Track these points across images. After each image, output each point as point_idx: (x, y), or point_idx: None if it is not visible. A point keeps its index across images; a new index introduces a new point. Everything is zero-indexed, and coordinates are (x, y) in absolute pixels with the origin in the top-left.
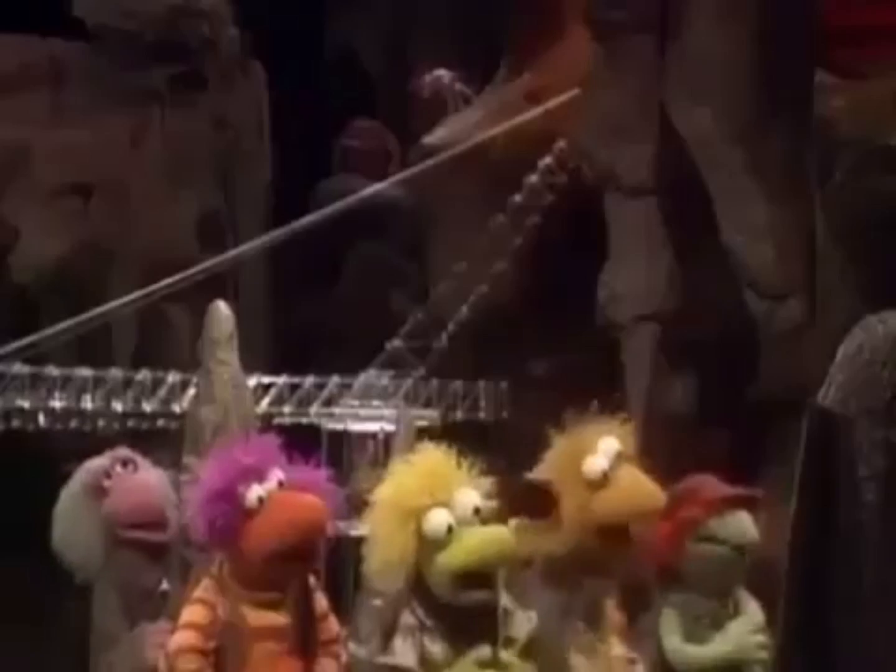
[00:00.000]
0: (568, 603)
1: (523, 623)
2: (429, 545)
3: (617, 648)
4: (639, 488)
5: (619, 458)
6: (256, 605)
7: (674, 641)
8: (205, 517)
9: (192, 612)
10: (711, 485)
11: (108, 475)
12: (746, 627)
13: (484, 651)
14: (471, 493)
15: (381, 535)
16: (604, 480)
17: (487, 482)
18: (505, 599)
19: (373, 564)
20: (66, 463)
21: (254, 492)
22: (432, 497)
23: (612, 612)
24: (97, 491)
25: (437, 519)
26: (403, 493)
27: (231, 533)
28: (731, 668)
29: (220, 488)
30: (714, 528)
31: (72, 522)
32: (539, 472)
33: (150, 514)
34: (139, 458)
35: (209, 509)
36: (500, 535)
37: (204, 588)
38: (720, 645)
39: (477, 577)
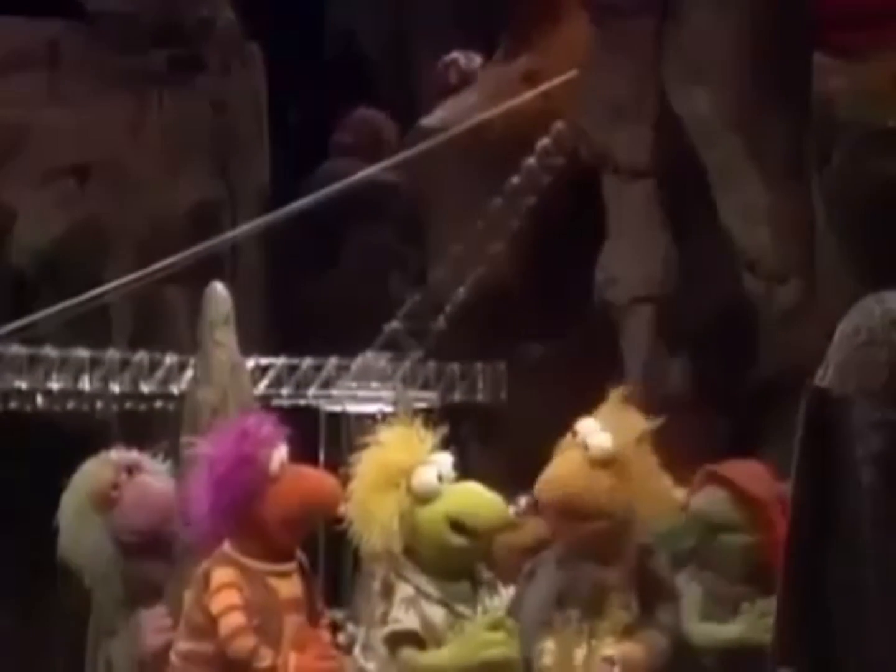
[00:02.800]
0: (567, 588)
1: (503, 597)
2: (420, 500)
3: (608, 649)
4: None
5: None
6: (279, 577)
7: (690, 619)
8: (230, 486)
9: (225, 598)
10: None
11: (115, 486)
12: (759, 609)
13: (496, 614)
14: (445, 455)
15: (374, 503)
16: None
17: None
18: (486, 573)
19: (371, 533)
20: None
21: (276, 456)
22: (415, 457)
23: (615, 611)
24: (104, 502)
25: (426, 472)
26: (387, 459)
27: (254, 499)
28: (743, 650)
29: (246, 454)
30: None
31: (79, 532)
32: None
33: (159, 519)
34: (142, 459)
35: (236, 476)
36: (493, 495)
37: (222, 575)
38: (732, 625)
39: (470, 525)
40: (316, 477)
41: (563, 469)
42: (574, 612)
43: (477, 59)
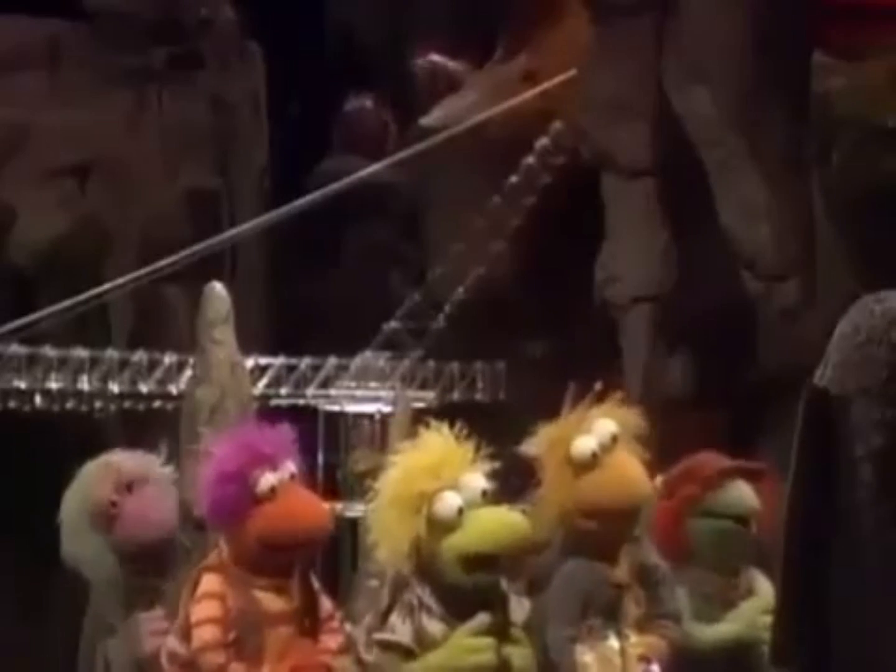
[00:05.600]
0: (590, 597)
1: (516, 609)
2: (438, 528)
3: (637, 648)
4: (627, 475)
5: (614, 441)
6: (267, 591)
7: (684, 620)
8: (213, 497)
9: (205, 608)
10: (708, 460)
11: (113, 504)
12: (758, 607)
13: (482, 619)
14: (477, 476)
15: (390, 520)
16: (592, 462)
17: (488, 464)
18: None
19: (383, 551)
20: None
21: (266, 479)
22: (441, 480)
23: (630, 606)
24: (103, 520)
25: (448, 501)
26: (411, 477)
27: (236, 516)
28: (741, 648)
29: (233, 471)
30: (712, 502)
31: (79, 545)
32: (528, 448)
33: (159, 534)
34: (145, 467)
35: (219, 490)
36: (514, 520)
37: (208, 583)
38: (731, 624)
39: (486, 558)
40: (304, 506)
41: (636, 470)
42: (597, 620)
43: (455, 64)
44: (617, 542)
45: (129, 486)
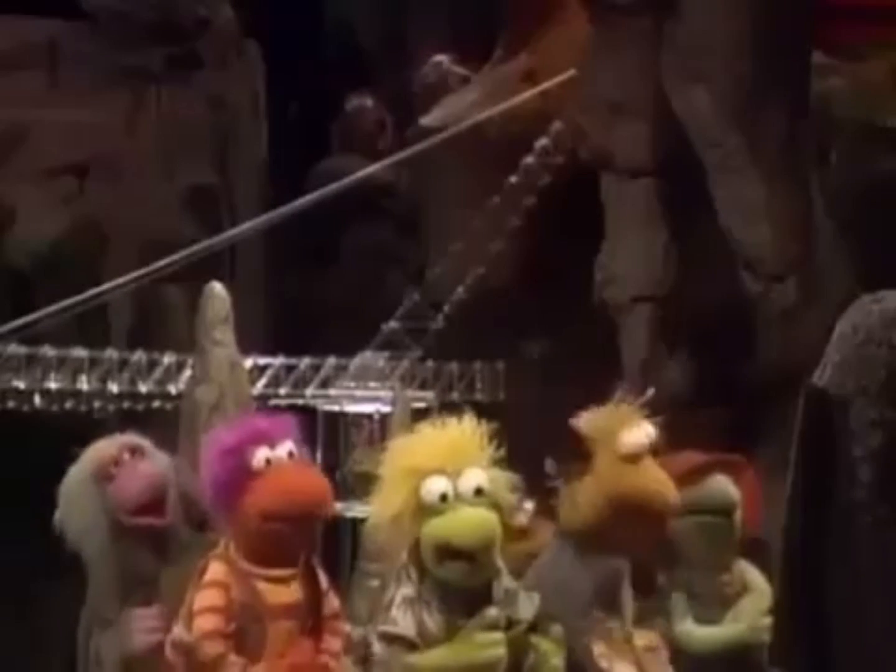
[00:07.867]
0: (597, 589)
1: (526, 604)
2: (424, 510)
3: (641, 639)
4: (664, 477)
5: (650, 445)
6: (271, 583)
7: (683, 624)
8: (213, 473)
9: (208, 597)
10: (683, 459)
11: (116, 462)
12: (757, 607)
13: (490, 614)
14: (479, 473)
15: (385, 486)
16: (637, 457)
17: (499, 469)
18: (507, 580)
19: (374, 515)
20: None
21: (261, 453)
22: (437, 463)
23: (628, 599)
24: (104, 476)
25: (434, 485)
26: (412, 452)
27: (233, 491)
28: (743, 650)
29: (232, 446)
30: (692, 499)
31: (76, 504)
32: (580, 424)
33: (152, 500)
34: (147, 445)
35: (218, 465)
36: (481, 518)
37: (214, 571)
38: (732, 626)
39: (450, 550)
40: (300, 476)
41: (661, 474)
42: (600, 612)
43: (459, 69)
44: (633, 537)
45: (132, 451)
